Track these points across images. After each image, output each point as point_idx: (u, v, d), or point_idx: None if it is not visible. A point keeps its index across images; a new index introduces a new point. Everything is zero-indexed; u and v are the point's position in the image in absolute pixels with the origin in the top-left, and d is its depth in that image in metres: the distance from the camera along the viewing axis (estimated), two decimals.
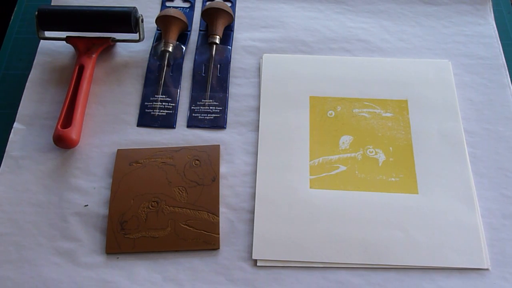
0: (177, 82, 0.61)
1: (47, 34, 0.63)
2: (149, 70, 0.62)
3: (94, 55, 0.60)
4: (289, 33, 0.65)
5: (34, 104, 0.59)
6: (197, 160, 0.55)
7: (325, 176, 0.54)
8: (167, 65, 0.61)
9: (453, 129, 0.57)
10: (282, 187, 0.53)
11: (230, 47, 0.64)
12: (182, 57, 0.63)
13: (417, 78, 0.61)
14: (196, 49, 0.64)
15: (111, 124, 0.58)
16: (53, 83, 0.61)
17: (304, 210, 0.52)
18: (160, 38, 0.64)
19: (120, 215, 0.51)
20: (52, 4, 0.66)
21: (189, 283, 0.48)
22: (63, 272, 0.49)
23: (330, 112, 0.58)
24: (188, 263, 0.49)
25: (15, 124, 0.57)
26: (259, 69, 0.62)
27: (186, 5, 0.68)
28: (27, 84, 0.60)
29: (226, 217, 0.52)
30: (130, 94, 0.60)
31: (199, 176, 0.54)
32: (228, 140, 0.57)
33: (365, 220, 0.51)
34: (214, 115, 0.58)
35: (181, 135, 0.57)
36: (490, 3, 0.68)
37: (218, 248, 0.50)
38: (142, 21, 0.62)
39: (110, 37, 0.62)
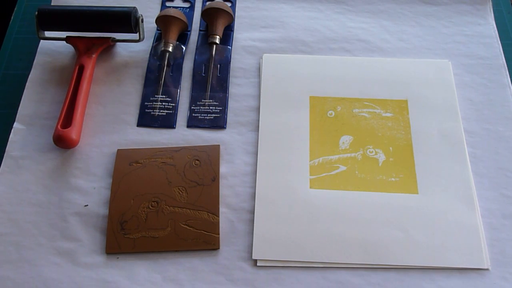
0: (177, 82, 0.61)
1: (47, 34, 0.63)
2: (149, 70, 0.62)
3: (94, 55, 0.60)
4: (289, 33, 0.65)
5: (34, 104, 0.59)
6: (197, 160, 0.55)
7: (325, 176, 0.54)
8: (167, 65, 0.61)
9: (453, 129, 0.57)
10: (282, 187, 0.53)
11: (230, 47, 0.64)
12: (182, 57, 0.63)
13: (417, 78, 0.61)
14: (196, 49, 0.64)
15: (111, 124, 0.58)
16: (53, 83, 0.61)
17: (304, 210, 0.52)
18: (160, 38, 0.64)
19: (120, 215, 0.51)
20: (52, 4, 0.66)
21: (189, 283, 0.48)
22: (63, 272, 0.49)
23: (330, 112, 0.58)
24: (188, 263, 0.49)
25: (15, 124, 0.57)
26: (259, 69, 0.62)
27: (186, 5, 0.68)
28: (27, 84, 0.60)
29: (226, 217, 0.52)
30: (130, 94, 0.60)
31: (199, 176, 0.54)
32: (228, 140, 0.57)
33: (365, 220, 0.51)
34: (214, 115, 0.58)
35: (181, 135, 0.57)
36: (490, 3, 0.68)
37: (218, 248, 0.50)
38: (142, 21, 0.62)
39: (110, 37, 0.62)
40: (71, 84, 0.58)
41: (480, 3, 0.67)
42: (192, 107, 0.59)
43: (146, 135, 0.57)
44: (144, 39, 0.63)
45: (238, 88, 0.61)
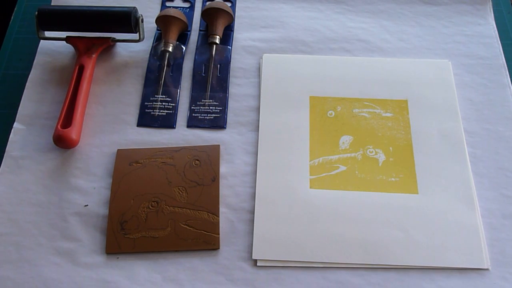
0: (177, 82, 0.61)
1: (47, 34, 0.63)
2: (149, 70, 0.62)
3: (94, 55, 0.60)
4: (289, 33, 0.65)
5: (34, 104, 0.59)
6: (197, 160, 0.55)
7: (325, 176, 0.54)
8: (167, 65, 0.61)
9: (453, 129, 0.57)
10: (282, 187, 0.53)
11: (230, 47, 0.64)
12: (182, 57, 0.63)
13: (417, 78, 0.61)
14: (196, 49, 0.64)
15: (111, 124, 0.58)
16: (53, 83, 0.61)
17: (304, 210, 0.52)
18: (160, 38, 0.64)
19: (120, 215, 0.51)
20: (52, 4, 0.66)
21: (189, 283, 0.48)
22: (63, 272, 0.49)
23: (330, 112, 0.58)
24: (188, 263, 0.49)
25: (15, 124, 0.57)
26: (259, 69, 0.62)
27: (186, 5, 0.68)
28: (27, 84, 0.60)
29: (226, 217, 0.52)
30: (130, 94, 0.60)
31: (199, 176, 0.54)
32: (228, 140, 0.57)
33: (365, 220, 0.51)
34: (214, 115, 0.58)
35: (181, 135, 0.57)
36: (490, 3, 0.68)
37: (218, 248, 0.50)
38: (142, 21, 0.62)
39: (110, 37, 0.62)
40: (71, 84, 0.58)
41: (480, 3, 0.67)
42: (192, 107, 0.59)
43: (146, 135, 0.57)
44: (144, 39, 0.63)
45: (238, 88, 0.61)
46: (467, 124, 0.58)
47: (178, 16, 0.62)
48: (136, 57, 0.63)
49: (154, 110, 0.59)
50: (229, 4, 0.67)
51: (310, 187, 0.53)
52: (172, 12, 0.62)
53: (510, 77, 0.61)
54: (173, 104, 0.59)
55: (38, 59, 0.62)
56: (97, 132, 0.57)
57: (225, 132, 0.57)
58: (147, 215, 0.51)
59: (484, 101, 0.59)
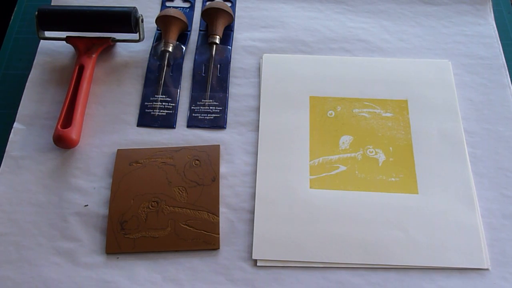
0: (177, 82, 0.61)
1: (47, 34, 0.63)
2: (149, 70, 0.62)
3: (94, 55, 0.60)
4: (289, 33, 0.65)
5: (34, 104, 0.59)
6: (197, 160, 0.55)
7: (325, 176, 0.54)
8: (167, 65, 0.61)
9: (453, 129, 0.57)
10: (282, 187, 0.53)
11: (230, 47, 0.64)
12: (182, 57, 0.63)
13: (417, 78, 0.61)
14: (196, 49, 0.64)
15: (111, 124, 0.58)
16: (53, 83, 0.61)
17: (304, 210, 0.52)
18: (160, 38, 0.64)
19: (120, 215, 0.51)
20: (52, 4, 0.66)
21: (189, 283, 0.48)
22: (63, 272, 0.49)
23: (330, 112, 0.58)
24: (188, 263, 0.49)
25: (15, 124, 0.57)
26: (259, 69, 0.62)
27: (186, 5, 0.68)
28: (27, 84, 0.60)
29: (226, 217, 0.52)
30: (130, 94, 0.60)
31: (199, 176, 0.54)
32: (228, 140, 0.57)
33: (365, 220, 0.51)
34: (214, 115, 0.58)
35: (181, 135, 0.57)
36: (490, 3, 0.68)
37: (218, 248, 0.50)
38: (142, 21, 0.62)
39: (110, 37, 0.62)
40: (71, 84, 0.58)
41: (480, 3, 0.67)
42: (192, 107, 0.59)
43: (146, 135, 0.57)
44: (144, 39, 0.63)
45: (238, 88, 0.61)
46: (467, 124, 0.58)
47: (178, 16, 0.62)
48: (136, 57, 0.63)
49: (154, 110, 0.59)
50: (229, 4, 0.67)
51: (310, 187, 0.53)
52: (172, 12, 0.62)
53: (510, 77, 0.61)
54: (173, 104, 0.59)
55: (38, 59, 0.62)
56: (97, 132, 0.57)
57: (225, 132, 0.57)
58: (147, 215, 0.51)
59: (484, 101, 0.59)
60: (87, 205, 0.52)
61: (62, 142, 0.54)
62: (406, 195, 0.52)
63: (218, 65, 0.62)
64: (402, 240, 0.50)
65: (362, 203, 0.52)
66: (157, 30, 0.65)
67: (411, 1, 0.68)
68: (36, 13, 0.60)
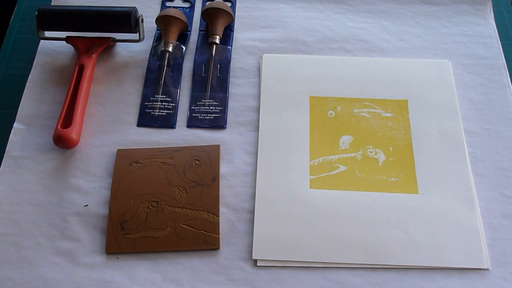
0: (177, 82, 0.61)
1: (47, 34, 0.63)
2: (149, 70, 0.62)
3: (94, 55, 0.60)
4: (289, 33, 0.65)
5: (34, 104, 0.59)
6: (197, 160, 0.55)
7: (325, 176, 0.54)
8: (167, 65, 0.61)
9: (453, 129, 0.57)
10: (282, 187, 0.53)
11: (230, 47, 0.64)
12: (182, 57, 0.63)
13: (417, 78, 0.61)
14: (196, 49, 0.64)
15: (111, 124, 0.58)
16: (53, 83, 0.61)
17: (304, 210, 0.52)
18: (160, 38, 0.64)
19: (120, 215, 0.51)
20: (52, 4, 0.66)
21: (189, 283, 0.48)
22: (63, 272, 0.49)
23: (330, 112, 0.58)
24: (188, 263, 0.49)
25: (15, 124, 0.57)
26: (259, 69, 0.62)
27: (186, 5, 0.68)
28: (27, 84, 0.60)
29: (226, 217, 0.52)
30: (130, 94, 0.60)
31: (199, 176, 0.54)
32: (228, 140, 0.57)
33: (365, 220, 0.51)
34: (214, 115, 0.58)
35: (181, 135, 0.57)
36: (490, 3, 0.68)
37: (218, 248, 0.50)
38: (142, 21, 0.62)
39: (110, 37, 0.62)
40: (71, 84, 0.58)
41: (480, 3, 0.67)
42: (192, 107, 0.59)
43: (146, 135, 0.57)
44: (144, 39, 0.63)
45: (238, 88, 0.61)
46: (467, 124, 0.58)
47: (178, 16, 0.62)
48: (136, 57, 0.63)
49: (154, 110, 0.59)
50: (229, 4, 0.67)
51: (310, 187, 0.53)
52: (172, 12, 0.62)
53: (510, 77, 0.61)
54: (173, 104, 0.59)
55: (38, 59, 0.62)
56: (97, 132, 0.57)
57: (225, 132, 0.57)
58: (147, 215, 0.51)
59: (484, 101, 0.59)
60: (87, 205, 0.52)
61: (62, 142, 0.54)
62: (406, 195, 0.52)
63: (218, 65, 0.62)
64: (402, 240, 0.50)
65: (362, 203, 0.52)
66: (157, 30, 0.65)
67: (411, 1, 0.68)
68: (36, 13, 0.60)
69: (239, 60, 0.63)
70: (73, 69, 0.60)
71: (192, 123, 0.58)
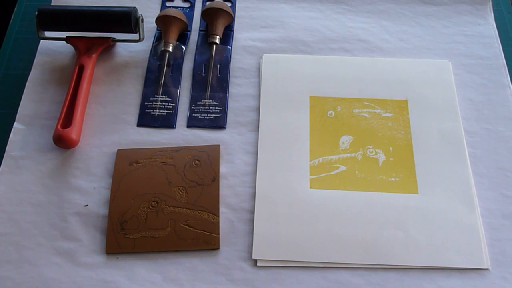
0: (177, 82, 0.61)
1: (47, 34, 0.63)
2: (149, 70, 0.62)
3: (94, 55, 0.60)
4: (289, 33, 0.65)
5: (34, 104, 0.59)
6: (197, 160, 0.55)
7: (325, 176, 0.54)
8: (167, 65, 0.61)
9: (453, 129, 0.57)
10: (282, 187, 0.53)
11: (230, 47, 0.64)
12: (182, 57, 0.63)
13: (417, 78, 0.61)
14: (196, 49, 0.64)
15: (111, 124, 0.58)
16: (53, 83, 0.61)
17: (304, 210, 0.52)
18: (160, 38, 0.64)
19: (120, 215, 0.51)
20: (52, 4, 0.66)
21: (189, 283, 0.48)
22: (63, 272, 0.49)
23: (330, 112, 0.58)
24: (188, 263, 0.49)
25: (15, 124, 0.57)
26: (259, 69, 0.62)
27: (186, 5, 0.68)
28: (27, 84, 0.60)
29: (226, 217, 0.52)
30: (130, 94, 0.60)
31: (199, 176, 0.54)
32: (228, 140, 0.57)
33: (365, 220, 0.51)
34: (214, 115, 0.58)
35: (181, 135, 0.57)
36: (490, 3, 0.68)
37: (218, 248, 0.50)
38: (142, 21, 0.62)
39: (110, 37, 0.62)
40: (71, 84, 0.58)
41: (480, 3, 0.67)
42: (192, 107, 0.59)
43: (146, 135, 0.57)
44: (144, 39, 0.63)
45: (238, 88, 0.61)
46: (467, 124, 0.58)
47: (178, 16, 0.62)
48: (136, 57, 0.63)
49: (154, 110, 0.59)
50: (229, 4, 0.67)
51: (310, 187, 0.53)
52: (172, 12, 0.62)
53: (510, 77, 0.61)
54: (173, 104, 0.59)
55: (38, 59, 0.62)
56: (97, 132, 0.57)
57: (225, 132, 0.57)
58: (147, 215, 0.51)
59: (484, 101, 0.59)
60: (87, 205, 0.52)
61: (62, 142, 0.54)
62: (406, 195, 0.52)
63: (218, 65, 0.62)
64: (402, 240, 0.50)
65: (362, 203, 0.52)
66: (157, 30, 0.65)
67: (411, 1, 0.68)
68: (36, 13, 0.60)
69: (239, 60, 0.63)
70: (73, 69, 0.60)
71: (192, 123, 0.58)
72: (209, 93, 0.60)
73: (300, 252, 0.49)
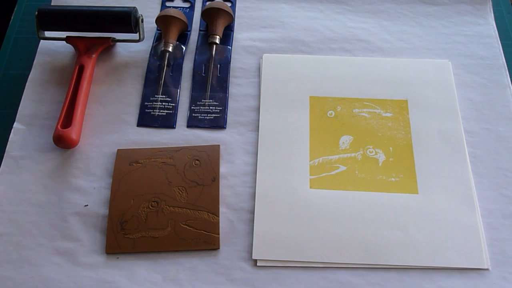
0: (177, 82, 0.61)
1: (47, 34, 0.63)
2: (149, 70, 0.62)
3: (94, 55, 0.60)
4: (289, 33, 0.65)
5: (34, 104, 0.59)
6: (197, 160, 0.55)
7: (325, 176, 0.54)
8: (167, 65, 0.61)
9: (453, 129, 0.57)
10: (282, 187, 0.53)
11: (230, 47, 0.64)
12: (182, 57, 0.63)
13: (417, 78, 0.61)
14: (196, 49, 0.64)
15: (111, 124, 0.58)
16: (53, 83, 0.61)
17: (304, 210, 0.52)
18: (160, 38, 0.64)
19: (120, 215, 0.51)
20: (52, 4, 0.66)
21: (189, 283, 0.48)
22: (63, 272, 0.49)
23: (330, 112, 0.58)
24: (188, 263, 0.49)
25: (15, 124, 0.57)
26: (259, 69, 0.62)
27: (186, 5, 0.68)
28: (27, 84, 0.60)
29: (226, 217, 0.52)
30: (130, 94, 0.60)
31: (199, 176, 0.54)
32: (228, 140, 0.57)
33: (365, 220, 0.51)
34: (214, 115, 0.58)
35: (181, 135, 0.57)
36: (490, 3, 0.68)
37: (218, 248, 0.50)
38: (142, 21, 0.62)
39: (110, 37, 0.62)
40: (71, 84, 0.58)
41: (480, 3, 0.67)
42: (192, 107, 0.59)
43: (146, 135, 0.57)
44: (144, 39, 0.63)
45: (238, 88, 0.61)
46: (467, 124, 0.58)
47: (178, 16, 0.62)
48: (136, 57, 0.63)
49: (154, 110, 0.59)
50: (229, 4, 0.67)
51: (310, 187, 0.53)
52: (172, 12, 0.62)
53: (510, 77, 0.61)
54: (173, 104, 0.59)
55: (38, 59, 0.62)
56: (97, 132, 0.57)
57: (225, 132, 0.57)
58: (147, 215, 0.51)
59: (484, 101, 0.59)
60: (87, 205, 0.52)
61: (62, 142, 0.54)
62: (406, 195, 0.52)
63: (218, 65, 0.62)
64: (402, 240, 0.50)
65: (362, 203, 0.52)
66: (157, 30, 0.65)
67: (411, 1, 0.68)
68: (36, 13, 0.60)
69: (239, 60, 0.63)
70: (73, 69, 0.60)
71: (192, 123, 0.58)
72: (209, 93, 0.60)
73: (300, 252, 0.49)
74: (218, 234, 0.50)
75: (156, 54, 0.62)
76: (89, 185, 0.53)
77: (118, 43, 0.64)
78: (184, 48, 0.63)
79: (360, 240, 0.50)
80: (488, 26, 0.66)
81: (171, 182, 0.53)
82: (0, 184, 0.53)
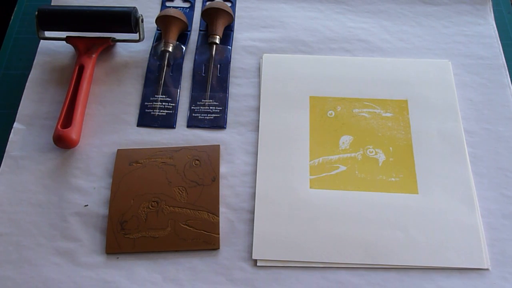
0: (177, 82, 0.61)
1: (47, 34, 0.63)
2: (149, 70, 0.62)
3: (94, 55, 0.60)
4: (289, 33, 0.65)
5: (34, 104, 0.59)
6: (197, 160, 0.55)
7: (325, 176, 0.54)
8: (167, 65, 0.61)
9: (453, 129, 0.57)
10: (282, 187, 0.53)
11: (230, 47, 0.64)
12: (182, 57, 0.63)
13: (417, 78, 0.61)
14: (196, 49, 0.64)
15: (111, 124, 0.58)
16: (53, 83, 0.61)
17: (304, 210, 0.52)
18: (160, 38, 0.64)
19: (120, 215, 0.51)
20: (52, 4, 0.66)
21: (189, 283, 0.48)
22: (63, 272, 0.49)
23: (330, 112, 0.58)
24: (188, 263, 0.49)
25: (15, 124, 0.57)
26: (259, 69, 0.62)
27: (186, 5, 0.68)
28: (27, 84, 0.60)
29: (226, 217, 0.52)
30: (130, 94, 0.60)
31: (199, 176, 0.54)
32: (228, 140, 0.57)
33: (365, 220, 0.51)
34: (214, 115, 0.58)
35: (181, 135, 0.57)
36: (490, 3, 0.68)
37: (218, 248, 0.50)
38: (142, 21, 0.62)
39: (110, 37, 0.62)
40: (71, 84, 0.58)
41: (480, 3, 0.67)
42: (192, 107, 0.59)
43: (146, 135, 0.57)
44: (144, 39, 0.63)
45: (238, 88, 0.61)
46: (467, 124, 0.58)
47: (178, 16, 0.62)
48: (136, 57, 0.63)
49: (154, 110, 0.59)
50: (229, 4, 0.67)
51: (310, 187, 0.53)
52: (172, 12, 0.62)
53: (510, 77, 0.61)
54: (173, 104, 0.59)
55: (38, 59, 0.62)
56: (97, 132, 0.57)
57: (225, 132, 0.57)
58: (147, 215, 0.51)
59: (484, 101, 0.59)
60: (87, 205, 0.52)
61: (62, 142, 0.54)
62: (406, 195, 0.52)
63: (218, 65, 0.62)
64: (402, 240, 0.50)
65: (362, 203, 0.52)
66: (157, 30, 0.65)
67: (411, 1, 0.68)
68: (36, 13, 0.60)
69: (239, 60, 0.63)
70: (73, 69, 0.60)
71: (192, 123, 0.58)
72: (209, 93, 0.60)
73: (300, 252, 0.49)
74: (218, 234, 0.50)
75: (156, 54, 0.62)
76: (89, 185, 0.53)
77: (118, 43, 0.64)
78: (184, 48, 0.63)
79: (360, 240, 0.50)
80: (488, 26, 0.66)
81: (171, 182, 0.53)
82: (0, 184, 0.53)
